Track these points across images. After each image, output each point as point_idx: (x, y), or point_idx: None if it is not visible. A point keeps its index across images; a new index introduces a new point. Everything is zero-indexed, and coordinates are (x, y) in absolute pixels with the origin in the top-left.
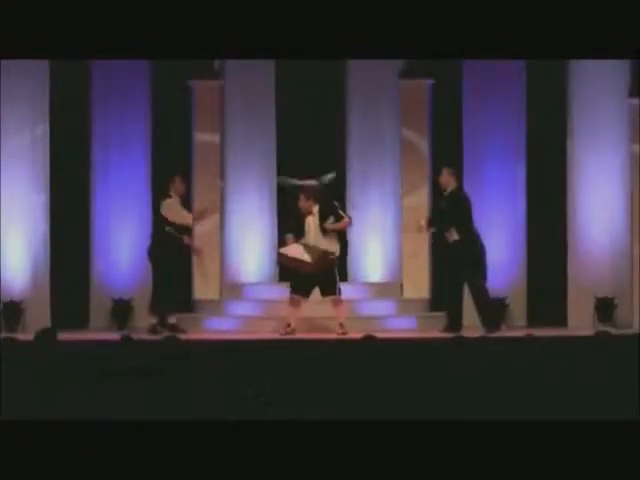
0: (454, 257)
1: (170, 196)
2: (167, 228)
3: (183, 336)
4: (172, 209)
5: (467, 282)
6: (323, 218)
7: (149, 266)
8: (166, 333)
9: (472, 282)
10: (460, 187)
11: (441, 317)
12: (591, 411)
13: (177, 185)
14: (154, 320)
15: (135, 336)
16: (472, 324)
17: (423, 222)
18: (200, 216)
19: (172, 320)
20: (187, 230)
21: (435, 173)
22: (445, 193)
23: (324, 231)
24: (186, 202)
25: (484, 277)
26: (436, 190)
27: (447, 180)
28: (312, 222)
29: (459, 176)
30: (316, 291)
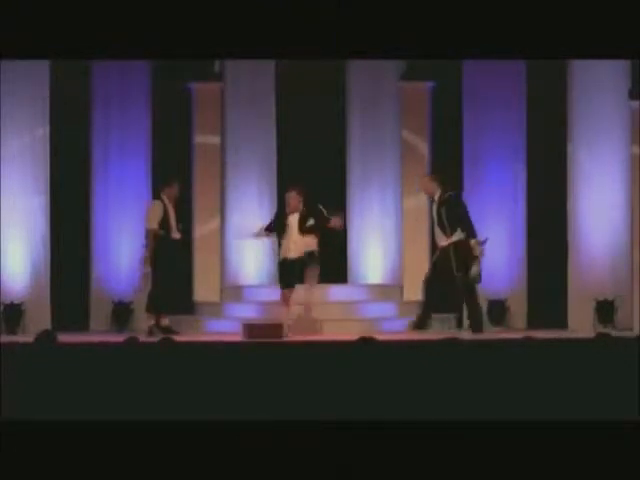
0: (452, 258)
1: (160, 199)
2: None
3: (183, 338)
4: (154, 212)
5: (460, 280)
6: (304, 219)
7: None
8: (160, 335)
9: (464, 281)
10: (445, 191)
11: (441, 319)
12: (591, 412)
13: (173, 190)
14: (152, 321)
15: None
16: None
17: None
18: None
19: (165, 322)
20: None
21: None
22: (434, 200)
23: (301, 231)
24: (179, 208)
25: (479, 278)
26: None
27: (431, 187)
28: (293, 221)
29: (443, 181)
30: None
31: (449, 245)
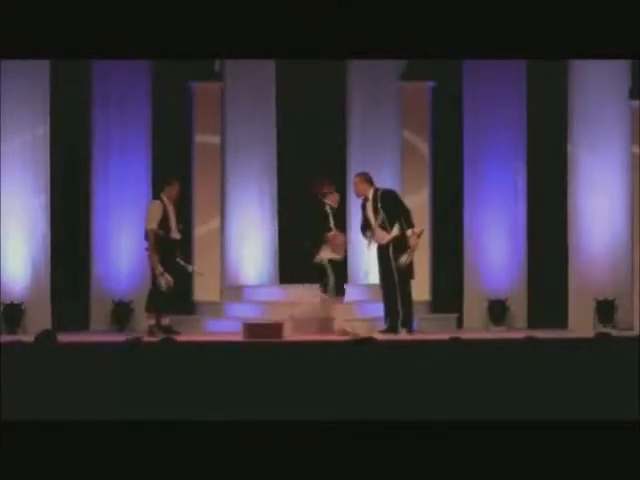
0: (390, 257)
1: (160, 198)
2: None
3: (183, 337)
4: (154, 212)
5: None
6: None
7: (149, 268)
8: (161, 335)
9: (398, 273)
10: (376, 188)
11: (442, 319)
12: (591, 412)
13: (173, 189)
14: (152, 321)
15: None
16: (473, 325)
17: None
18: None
19: (165, 322)
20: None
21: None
22: (367, 199)
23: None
24: (179, 208)
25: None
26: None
27: (362, 188)
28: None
29: (371, 180)
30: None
31: (388, 242)
